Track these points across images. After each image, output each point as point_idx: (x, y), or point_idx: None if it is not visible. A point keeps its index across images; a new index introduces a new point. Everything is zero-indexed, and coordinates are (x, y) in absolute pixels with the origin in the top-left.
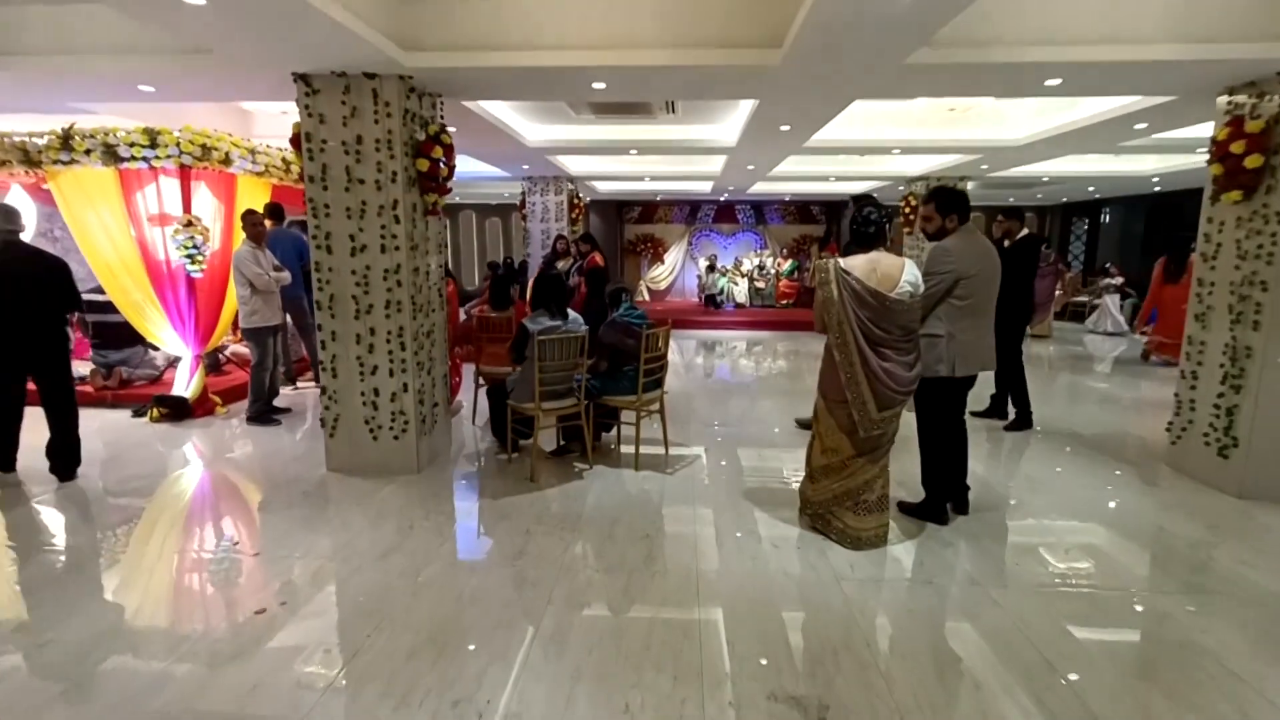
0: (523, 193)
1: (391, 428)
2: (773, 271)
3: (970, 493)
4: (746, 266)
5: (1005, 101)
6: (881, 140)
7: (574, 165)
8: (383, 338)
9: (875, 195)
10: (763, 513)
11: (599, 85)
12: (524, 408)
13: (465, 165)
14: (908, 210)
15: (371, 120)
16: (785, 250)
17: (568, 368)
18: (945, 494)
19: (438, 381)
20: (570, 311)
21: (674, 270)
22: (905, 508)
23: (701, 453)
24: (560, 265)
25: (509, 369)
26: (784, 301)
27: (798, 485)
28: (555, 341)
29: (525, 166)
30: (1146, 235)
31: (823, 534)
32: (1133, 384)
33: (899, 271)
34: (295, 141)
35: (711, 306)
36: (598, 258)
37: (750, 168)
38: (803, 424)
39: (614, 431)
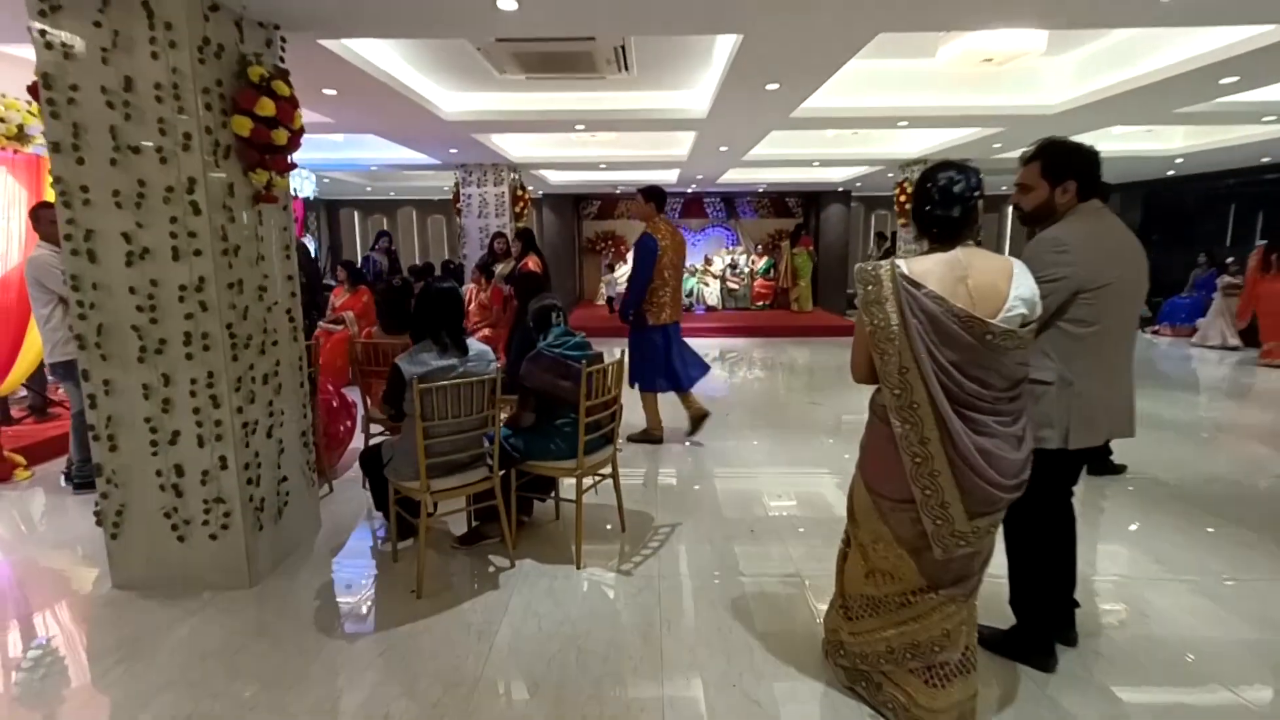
0: (456, 184)
1: (206, 522)
2: (746, 270)
3: (1078, 609)
4: (717, 265)
5: (1041, 60)
6: (887, 109)
7: (513, 148)
8: (184, 389)
9: (968, 162)
10: (768, 652)
11: (508, 5)
12: (406, 487)
13: (388, 152)
14: (903, 199)
15: (147, 54)
16: (759, 247)
17: (472, 426)
18: (1048, 619)
19: (292, 445)
20: (474, 343)
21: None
22: (985, 639)
23: (671, 528)
24: (499, 269)
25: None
26: (759, 303)
27: (820, 610)
28: (449, 389)
29: (453, 150)
30: (1145, 225)
31: (867, 702)
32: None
33: (1005, 280)
34: (34, 90)
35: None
36: (531, 262)
37: (723, 149)
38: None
39: (552, 497)
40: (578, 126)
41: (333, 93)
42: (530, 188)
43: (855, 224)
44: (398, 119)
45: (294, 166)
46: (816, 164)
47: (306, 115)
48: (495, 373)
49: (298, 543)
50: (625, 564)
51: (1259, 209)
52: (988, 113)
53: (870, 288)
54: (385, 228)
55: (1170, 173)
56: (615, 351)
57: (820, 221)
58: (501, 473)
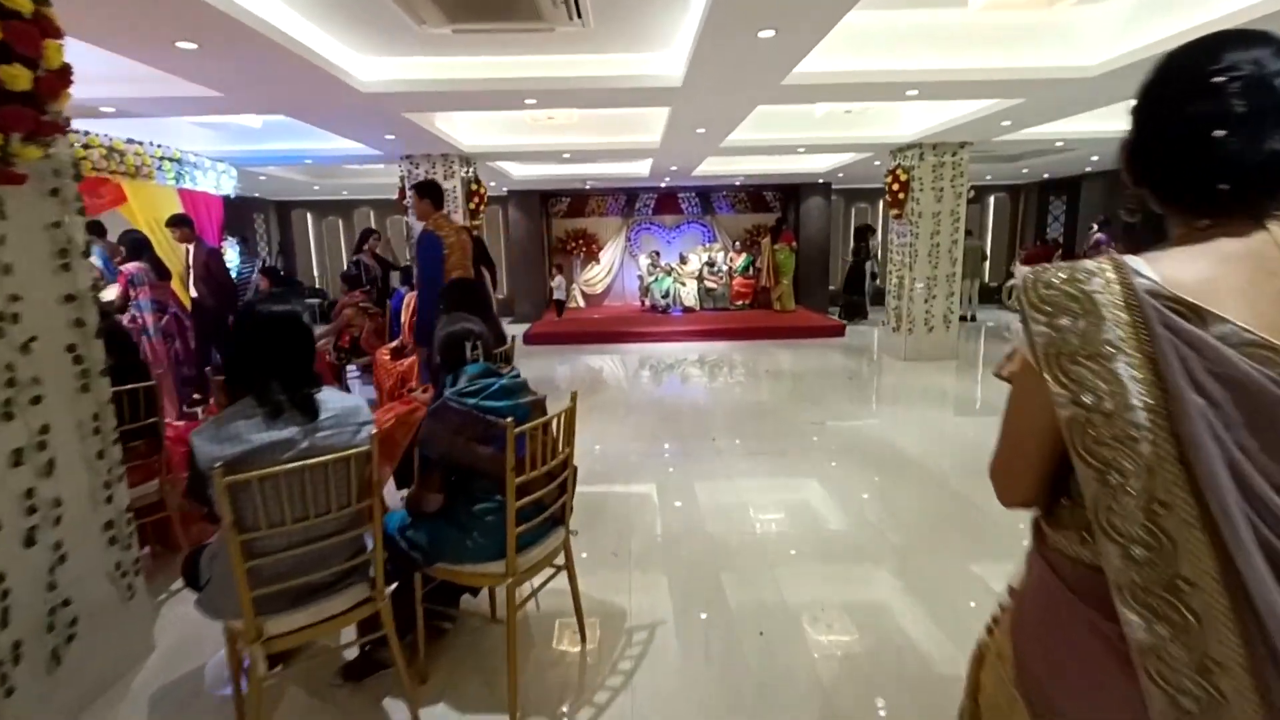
0: (401, 177)
1: None
2: (725, 268)
3: None
4: (694, 264)
5: (1079, 10)
6: (897, 73)
7: (463, 136)
8: None
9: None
10: None
11: None
12: (231, 627)
13: (321, 142)
14: (896, 188)
15: None
16: (738, 244)
17: (332, 530)
18: None
19: (86, 548)
20: (333, 397)
21: (611, 270)
22: None
23: (650, 632)
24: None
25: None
26: (739, 303)
27: None
28: (284, 480)
29: (390, 138)
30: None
31: None
32: None
33: None
34: None
35: (657, 312)
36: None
37: (700, 131)
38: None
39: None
40: (528, 101)
41: (191, 46)
42: (491, 184)
43: (836, 218)
44: (299, 90)
45: (58, 129)
46: (801, 150)
47: (185, 89)
48: (364, 444)
49: (106, 683)
50: (584, 708)
51: None
52: (1015, 76)
53: (1069, 321)
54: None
55: None
56: (564, 392)
57: (800, 216)
58: (394, 585)
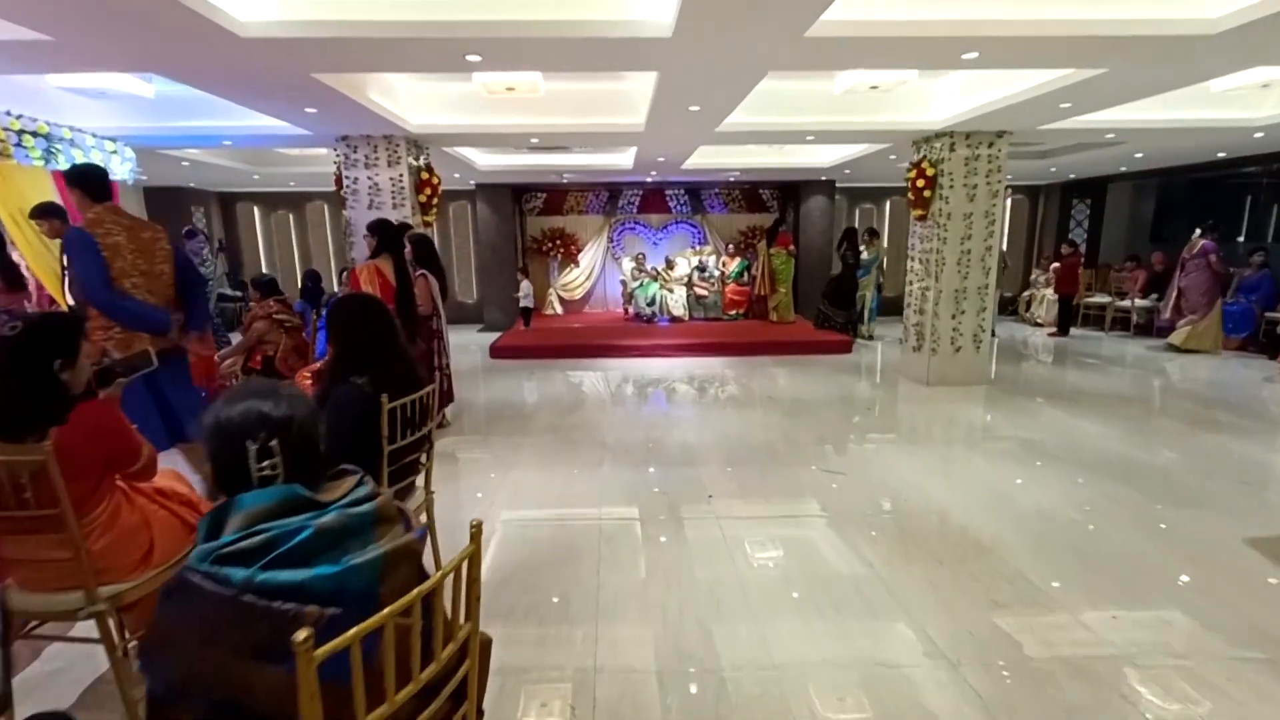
0: (336, 164)
1: None
2: (716, 274)
3: None
4: (682, 268)
5: None
6: (956, 25)
7: (407, 112)
8: None
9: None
10: None
11: None
12: None
13: (238, 119)
14: (920, 185)
15: None
16: (731, 247)
17: None
18: None
19: None
20: None
21: (591, 274)
22: None
23: None
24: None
25: None
26: (733, 312)
27: None
28: None
29: (311, 110)
30: (1157, 219)
31: None
32: None
33: None
34: None
35: (642, 321)
36: (368, 274)
37: (694, 109)
38: None
39: None
40: (470, 58)
41: None
42: (455, 175)
43: (839, 220)
44: (156, 34)
45: None
46: (810, 139)
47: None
48: None
49: None
50: None
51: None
52: (1108, 32)
53: None
54: (325, 219)
55: (1221, 155)
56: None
57: (800, 217)
58: None
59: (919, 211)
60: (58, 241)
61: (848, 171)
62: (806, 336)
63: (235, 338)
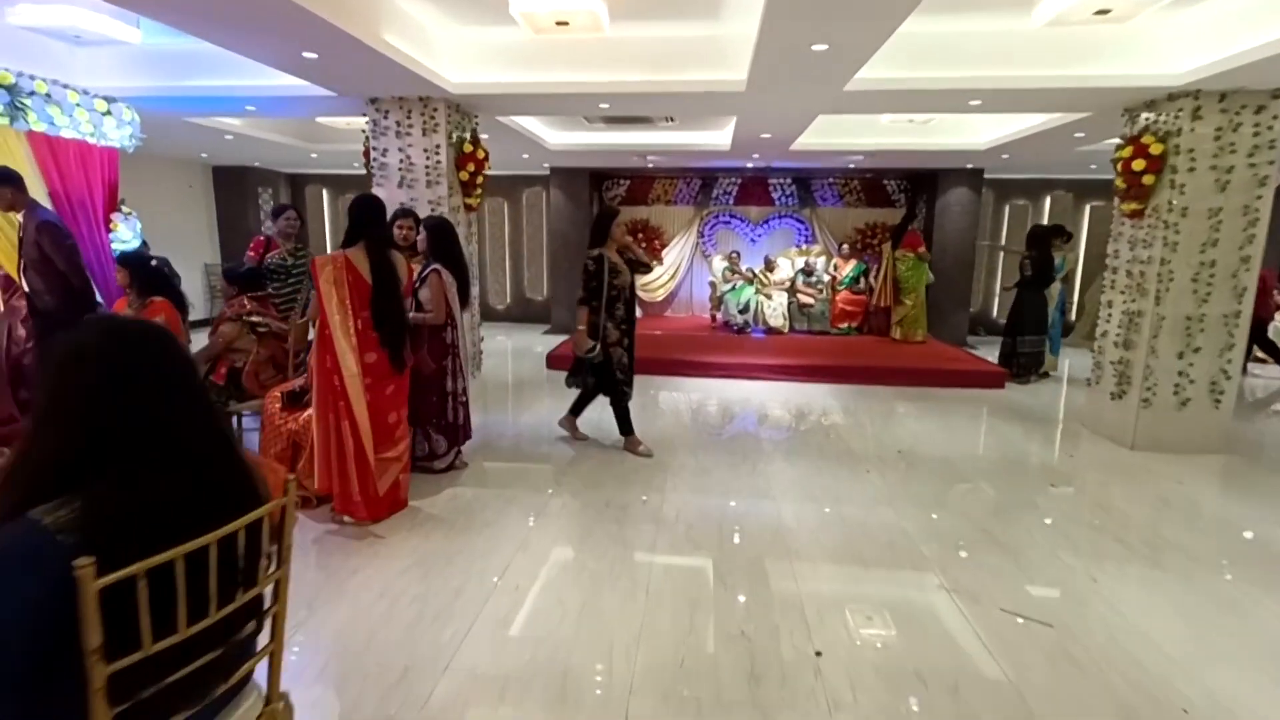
0: (366, 135)
1: None
2: (826, 278)
3: None
4: (785, 270)
5: None
6: None
7: (443, 67)
8: None
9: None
10: None
11: None
12: None
13: (255, 80)
14: (1140, 168)
15: None
16: (844, 247)
17: None
18: None
19: None
20: None
21: (676, 274)
22: None
23: None
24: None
25: None
26: (844, 326)
27: None
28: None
29: (310, 55)
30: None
31: None
32: None
33: None
34: None
35: (732, 332)
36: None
37: (819, 48)
38: None
39: None
40: None
41: None
42: (525, 155)
43: (983, 218)
44: None
45: None
46: (975, 103)
47: None
48: None
49: None
50: None
51: None
52: None
53: None
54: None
55: None
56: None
57: (936, 213)
58: None
59: (1132, 205)
60: (12, 215)
61: (1006, 156)
62: (942, 363)
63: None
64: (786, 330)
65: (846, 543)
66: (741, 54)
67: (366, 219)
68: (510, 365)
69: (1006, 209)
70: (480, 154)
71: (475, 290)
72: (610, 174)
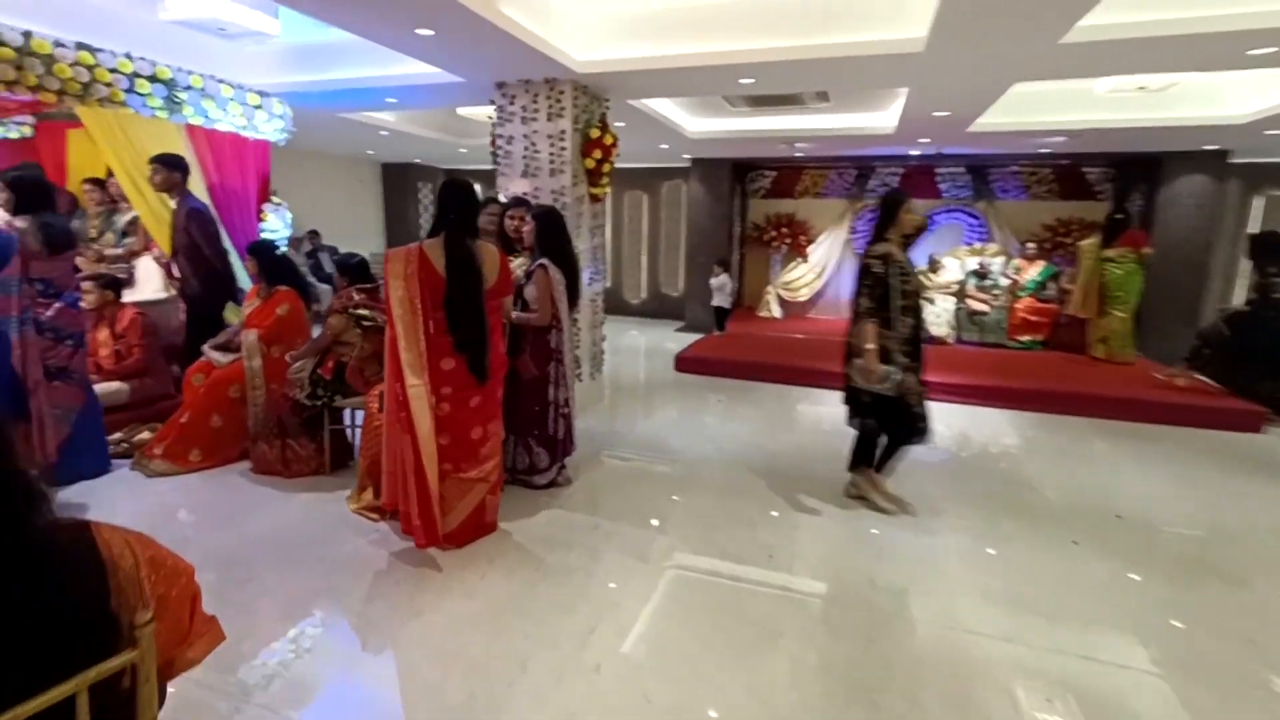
0: (490, 119)
1: None
2: (1004, 282)
3: None
4: (951, 272)
5: None
6: None
7: (568, 43)
8: None
9: None
10: None
11: None
12: None
13: (392, 68)
14: None
15: None
16: (1028, 246)
17: None
18: None
19: None
20: None
21: (823, 272)
22: None
23: None
24: (516, 265)
25: None
26: (1025, 338)
27: None
28: None
29: (424, 32)
30: None
31: None
32: None
33: None
34: None
35: None
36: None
37: None
38: None
39: None
40: None
41: None
42: (664, 146)
43: (1221, 213)
44: None
45: None
46: (1263, 51)
47: None
48: None
49: None
50: None
51: None
52: None
53: None
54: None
55: None
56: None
57: (1156, 207)
58: None
59: None
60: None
61: (1274, 133)
62: (1164, 393)
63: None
64: (952, 340)
65: (1061, 682)
66: (920, 2)
67: (448, 204)
68: (640, 364)
69: (1258, 203)
70: (608, 140)
71: (605, 285)
72: (754, 164)
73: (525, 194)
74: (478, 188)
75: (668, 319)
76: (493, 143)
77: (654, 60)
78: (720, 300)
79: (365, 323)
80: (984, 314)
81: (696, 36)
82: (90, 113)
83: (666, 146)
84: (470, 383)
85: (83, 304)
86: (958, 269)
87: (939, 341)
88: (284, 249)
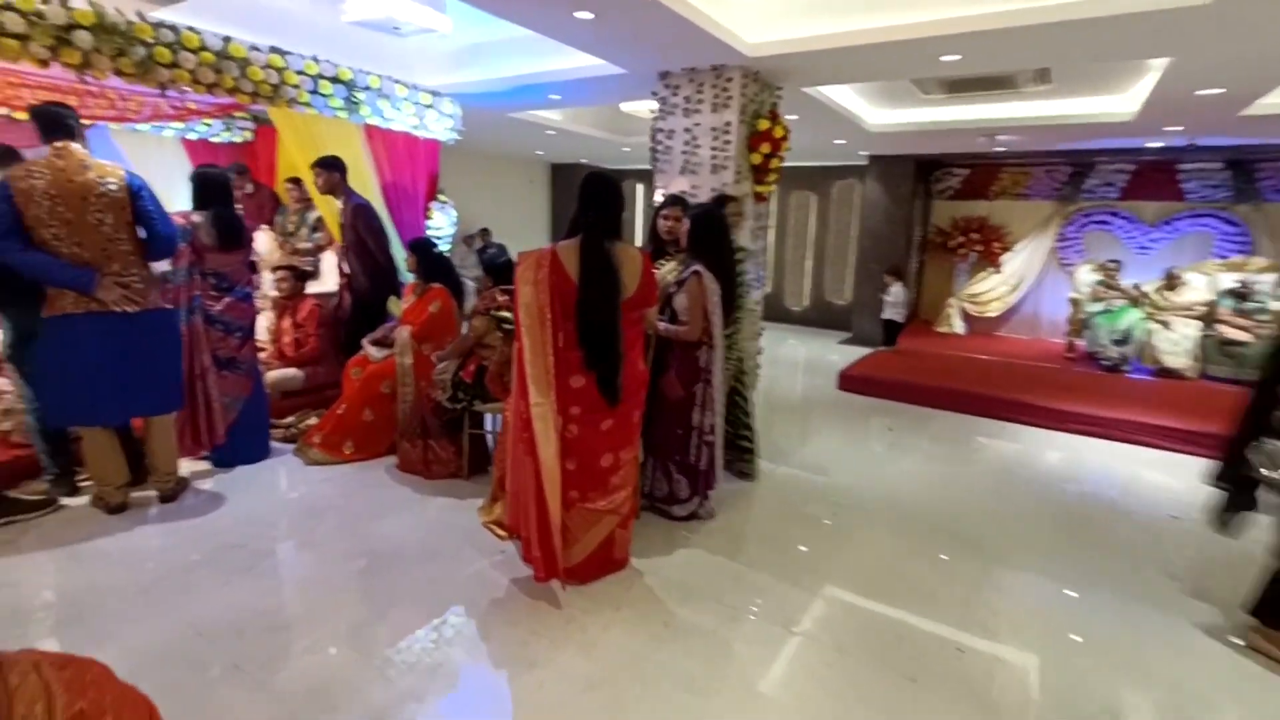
0: (653, 117)
1: None
2: (1274, 305)
3: None
4: (1195, 291)
5: None
6: None
7: (736, 22)
8: None
9: None
10: None
11: None
12: None
13: (557, 62)
14: None
15: None
16: None
17: None
18: None
19: None
20: None
21: (1019, 285)
22: None
23: None
24: (666, 270)
25: None
26: None
27: None
28: None
29: (583, 14)
30: None
31: None
32: None
33: None
34: None
35: (1099, 367)
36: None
37: None
38: None
39: None
40: None
41: None
42: (839, 141)
43: None
44: None
45: None
46: None
47: None
48: None
49: None
50: None
51: None
52: None
53: None
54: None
55: None
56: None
57: None
58: None
59: None
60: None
61: None
62: None
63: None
64: (1193, 375)
65: None
66: None
67: (588, 201)
68: (799, 379)
69: None
70: (778, 132)
71: (765, 291)
72: (942, 162)
73: (683, 192)
74: (640, 187)
75: (831, 329)
76: (652, 138)
77: (838, 38)
78: (893, 313)
79: (507, 326)
80: (1241, 344)
81: (891, 6)
82: (280, 114)
83: (843, 142)
84: (601, 404)
85: (274, 293)
86: (1205, 287)
87: (1174, 374)
88: (450, 246)
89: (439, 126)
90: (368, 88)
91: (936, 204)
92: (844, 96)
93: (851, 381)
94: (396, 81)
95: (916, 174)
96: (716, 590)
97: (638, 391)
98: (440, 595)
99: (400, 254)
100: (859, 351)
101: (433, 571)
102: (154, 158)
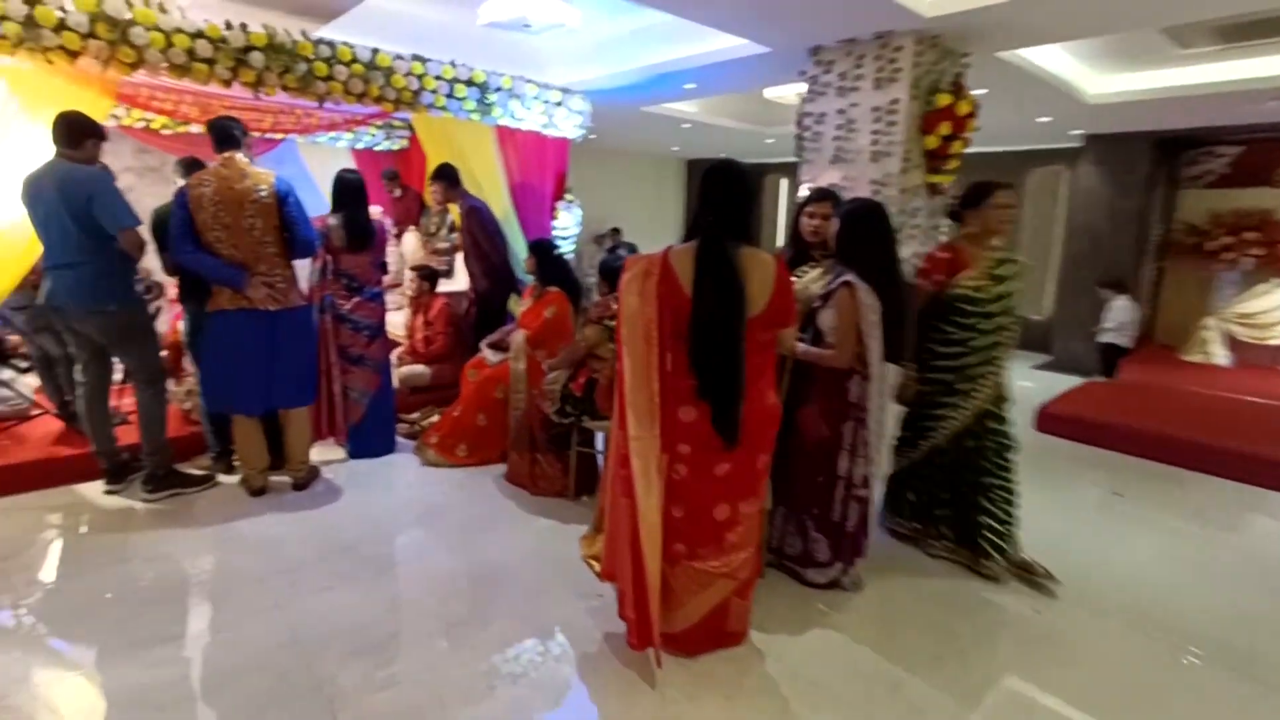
0: (800, 97)
1: None
2: None
3: None
4: None
5: None
6: None
7: None
8: None
9: None
10: None
11: None
12: None
13: (691, 46)
14: None
15: None
16: None
17: None
18: None
19: None
20: None
21: None
22: None
23: None
24: (809, 280)
25: None
26: None
27: None
28: None
29: None
30: None
31: None
32: None
33: None
34: None
35: None
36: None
37: None
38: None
39: None
40: None
41: None
42: (1044, 119)
43: None
44: None
45: None
46: None
47: None
48: None
49: None
50: None
51: None
52: None
53: None
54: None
55: None
56: None
57: None
58: None
59: None
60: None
61: None
62: None
63: None
64: None
65: None
66: None
67: (710, 197)
68: None
69: None
70: (963, 108)
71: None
72: (1200, 138)
73: (834, 185)
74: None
75: (1024, 351)
76: (798, 124)
77: None
78: (1115, 336)
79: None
80: None
81: None
82: (420, 119)
83: (1048, 119)
84: (716, 443)
85: (408, 291)
86: None
87: None
88: (576, 246)
89: (568, 124)
90: (500, 88)
91: (1186, 194)
92: (1055, 60)
93: (1054, 422)
94: (527, 81)
95: (1156, 155)
96: (859, 696)
97: (764, 430)
98: (526, 639)
99: (522, 254)
100: (1062, 381)
101: (525, 609)
102: (329, 166)
